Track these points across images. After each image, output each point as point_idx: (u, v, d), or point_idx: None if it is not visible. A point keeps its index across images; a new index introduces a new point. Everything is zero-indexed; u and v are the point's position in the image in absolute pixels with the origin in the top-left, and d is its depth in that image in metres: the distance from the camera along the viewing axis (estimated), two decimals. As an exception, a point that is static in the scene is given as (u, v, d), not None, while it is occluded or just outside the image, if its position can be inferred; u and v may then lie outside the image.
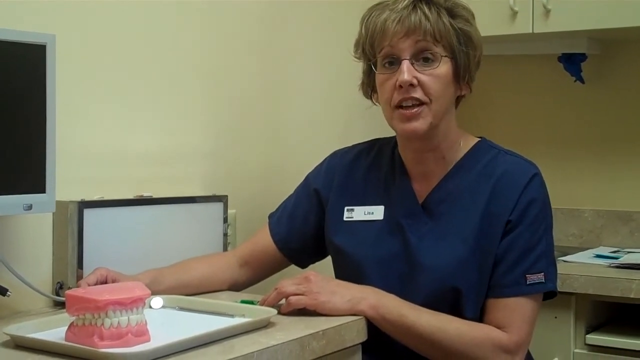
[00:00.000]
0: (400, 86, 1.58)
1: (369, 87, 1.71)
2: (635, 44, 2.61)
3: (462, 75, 1.63)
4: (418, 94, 1.58)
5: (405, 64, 1.58)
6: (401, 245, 1.66)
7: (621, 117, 2.65)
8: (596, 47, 2.59)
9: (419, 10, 1.58)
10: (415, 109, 1.59)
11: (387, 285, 1.60)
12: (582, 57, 2.61)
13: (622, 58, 2.65)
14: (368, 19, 1.64)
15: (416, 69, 1.59)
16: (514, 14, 2.44)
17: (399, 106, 1.60)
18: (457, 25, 1.61)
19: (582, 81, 2.65)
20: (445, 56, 1.59)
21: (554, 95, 2.76)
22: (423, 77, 1.59)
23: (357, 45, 1.69)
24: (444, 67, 1.60)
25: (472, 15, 1.67)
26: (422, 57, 1.59)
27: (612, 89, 2.67)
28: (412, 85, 1.58)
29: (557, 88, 2.74)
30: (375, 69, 1.64)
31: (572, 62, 2.63)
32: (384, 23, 1.60)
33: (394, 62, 1.60)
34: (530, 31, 2.43)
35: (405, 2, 1.59)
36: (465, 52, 1.62)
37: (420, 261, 1.63)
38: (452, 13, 1.61)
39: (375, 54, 1.63)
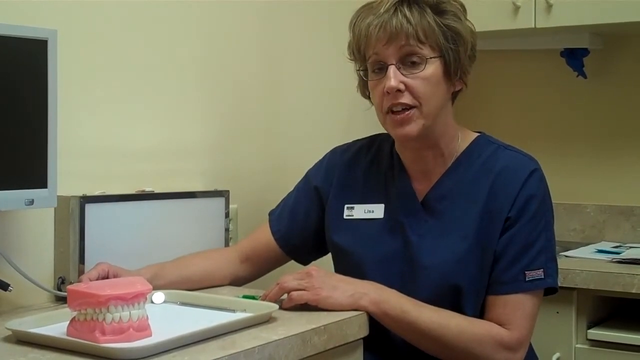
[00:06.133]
0: (388, 92, 1.58)
1: (365, 88, 1.70)
2: (637, 38, 2.61)
3: (453, 72, 1.61)
4: (406, 99, 1.58)
5: (392, 70, 1.57)
6: (401, 244, 1.66)
7: (623, 112, 2.65)
8: (598, 42, 2.58)
9: (399, 13, 1.56)
10: (406, 113, 1.58)
11: (388, 284, 1.59)
12: (585, 52, 2.60)
13: (624, 53, 2.64)
14: (355, 23, 1.64)
15: (403, 74, 1.58)
16: (517, 8, 2.43)
17: (390, 111, 1.59)
18: (443, 23, 1.58)
19: (585, 76, 2.64)
20: (433, 57, 1.58)
21: (556, 90, 2.75)
22: (410, 81, 1.57)
23: (349, 48, 1.68)
24: (431, 68, 1.58)
25: (462, 9, 1.64)
26: (409, 61, 1.58)
27: (614, 84, 2.66)
28: (399, 90, 1.57)
29: (560, 83, 2.73)
30: (366, 76, 1.64)
31: (574, 57, 2.62)
32: (367, 29, 1.59)
33: (382, 67, 1.60)
34: (533, 26, 2.42)
35: (387, 5, 1.58)
36: (454, 49, 1.60)
37: (420, 260, 1.62)
38: (438, 10, 1.59)
39: (364, 59, 1.63)
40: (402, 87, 1.57)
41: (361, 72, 1.66)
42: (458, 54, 1.61)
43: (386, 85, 1.57)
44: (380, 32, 1.57)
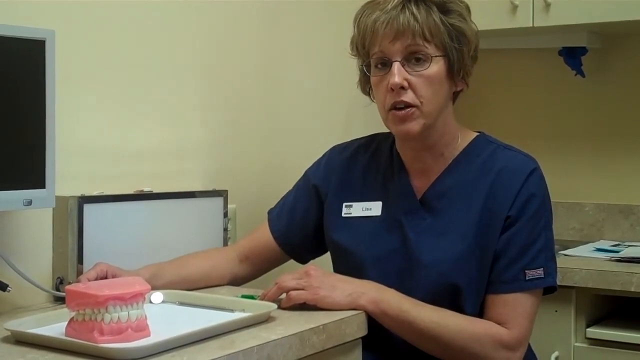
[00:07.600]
0: (392, 89, 1.58)
1: (366, 85, 1.70)
2: (635, 37, 2.61)
3: (456, 71, 1.61)
4: (409, 97, 1.58)
5: (396, 66, 1.57)
6: (400, 242, 1.66)
7: (622, 110, 2.65)
8: (597, 41, 2.58)
9: (407, 11, 1.57)
10: (408, 110, 1.58)
11: (386, 282, 1.60)
12: (583, 50, 2.60)
13: (622, 52, 2.64)
14: (360, 18, 1.64)
15: (407, 70, 1.58)
16: (515, 7, 2.43)
17: (392, 108, 1.59)
18: (448, 22, 1.59)
19: (583, 75, 2.64)
20: (437, 55, 1.58)
21: (555, 89, 2.76)
22: (414, 79, 1.58)
23: (352, 43, 1.68)
24: (435, 67, 1.59)
25: (467, 9, 1.65)
26: (413, 58, 1.58)
27: (612, 83, 2.66)
28: (402, 87, 1.57)
29: (558, 82, 2.73)
30: (369, 72, 1.64)
31: (572, 56, 2.62)
32: (374, 25, 1.59)
33: (386, 63, 1.60)
34: (531, 25, 2.43)
35: (395, 1, 1.58)
36: (458, 49, 1.60)
37: (419, 257, 1.62)
38: (444, 9, 1.59)
39: (368, 55, 1.63)
40: (405, 84, 1.57)
41: (364, 68, 1.66)
42: (462, 53, 1.61)
43: (390, 81, 1.57)
44: (387, 28, 1.57)
